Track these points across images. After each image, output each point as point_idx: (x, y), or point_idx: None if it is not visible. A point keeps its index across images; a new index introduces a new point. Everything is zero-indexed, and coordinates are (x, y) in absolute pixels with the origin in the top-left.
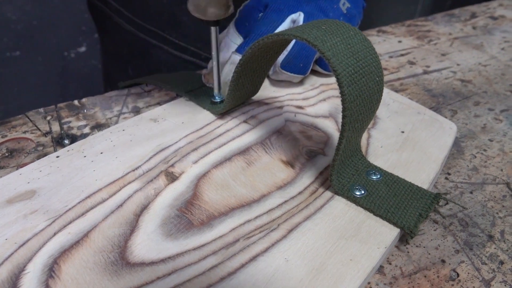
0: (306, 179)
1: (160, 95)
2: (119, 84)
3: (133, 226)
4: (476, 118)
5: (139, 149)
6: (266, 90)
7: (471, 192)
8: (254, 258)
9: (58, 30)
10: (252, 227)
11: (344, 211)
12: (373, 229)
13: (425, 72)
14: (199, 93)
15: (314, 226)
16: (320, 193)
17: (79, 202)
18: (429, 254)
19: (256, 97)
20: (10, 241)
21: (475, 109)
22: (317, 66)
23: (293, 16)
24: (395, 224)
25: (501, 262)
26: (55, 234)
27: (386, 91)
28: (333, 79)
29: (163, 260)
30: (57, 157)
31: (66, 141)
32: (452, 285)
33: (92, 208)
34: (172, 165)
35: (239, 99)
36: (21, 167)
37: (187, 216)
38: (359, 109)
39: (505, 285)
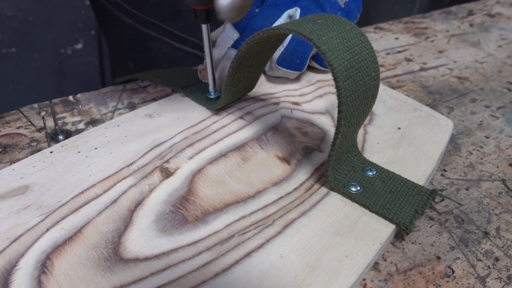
0: (302, 175)
1: (155, 91)
2: (115, 80)
3: (127, 221)
4: (473, 115)
5: (134, 145)
6: (263, 86)
7: (467, 189)
8: (248, 254)
9: (55, 27)
10: (247, 223)
11: (339, 207)
12: (368, 226)
13: (422, 69)
14: (195, 89)
15: (309, 222)
16: (316, 189)
17: (72, 198)
18: (425, 250)
19: (252, 93)
20: (3, 237)
21: (472, 106)
22: (314, 62)
23: (289, 11)
24: (390, 220)
25: (496, 259)
26: (48, 229)
27: (382, 88)
28: (329, 76)
29: (157, 256)
30: (51, 152)
31: (61, 137)
32: (447, 281)
33: (85, 203)
34: (167, 161)
35: (235, 95)
36: (15, 162)
37: (182, 212)
38: (355, 104)
39: (500, 282)
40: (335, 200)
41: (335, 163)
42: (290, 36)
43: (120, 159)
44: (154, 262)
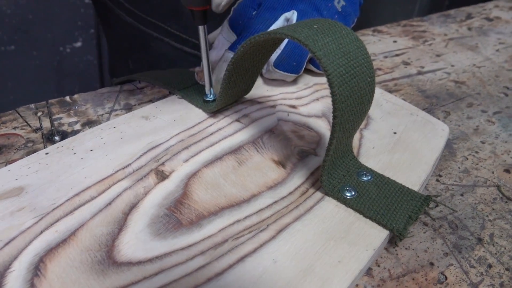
0: (297, 179)
1: (152, 92)
2: (113, 81)
3: (121, 225)
4: (469, 120)
5: (129, 147)
6: (259, 89)
7: (461, 195)
8: (242, 259)
9: (54, 25)
10: (241, 227)
11: (334, 213)
12: (362, 231)
13: (419, 73)
14: (191, 91)
15: (303, 227)
16: (311, 194)
17: (67, 200)
18: (418, 256)
19: (249, 95)
20: None
21: (468, 111)
22: (311, 65)
23: (286, 14)
24: (384, 226)
25: (489, 266)
26: (42, 232)
27: (379, 92)
28: None
29: (150, 260)
30: (46, 154)
31: (57, 138)
32: None
33: (80, 206)
34: (163, 164)
35: (231, 98)
36: (10, 163)
37: (176, 215)
38: (350, 110)
39: None
40: (330, 205)
41: (330, 168)
42: (287, 39)
43: (115, 161)
44: (147, 266)
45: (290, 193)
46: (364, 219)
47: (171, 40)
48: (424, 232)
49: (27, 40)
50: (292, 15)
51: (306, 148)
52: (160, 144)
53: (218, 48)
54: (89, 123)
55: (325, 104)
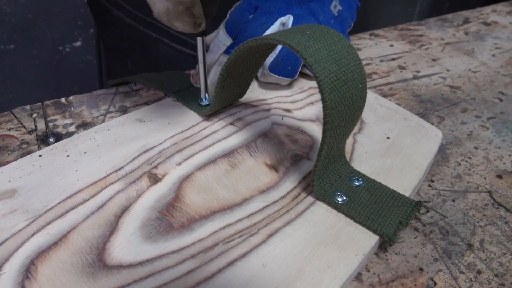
0: (289, 183)
1: (148, 94)
2: (109, 82)
3: (112, 227)
4: (463, 125)
5: (123, 150)
6: (254, 92)
7: (453, 200)
8: (232, 263)
9: (54, 24)
10: (232, 231)
11: (324, 217)
12: (352, 236)
13: (415, 77)
14: (186, 94)
15: (293, 231)
16: (302, 198)
17: (59, 203)
18: (408, 262)
19: (244, 99)
20: None
21: (463, 116)
22: (306, 69)
23: (282, 19)
24: (374, 231)
25: (479, 272)
26: (33, 234)
27: (374, 96)
28: None
29: (141, 263)
30: (40, 156)
31: (51, 140)
32: None
33: (72, 208)
34: (156, 167)
35: (225, 101)
36: (4, 165)
37: (168, 218)
38: (340, 116)
39: None
40: (321, 210)
41: (321, 173)
42: None
43: (108, 164)
44: (137, 269)
45: (282, 198)
46: (354, 224)
47: (170, 41)
48: (415, 238)
49: (27, 39)
50: (288, 20)
51: (300, 152)
52: (153, 147)
53: (213, 52)
54: (84, 125)
55: (320, 108)
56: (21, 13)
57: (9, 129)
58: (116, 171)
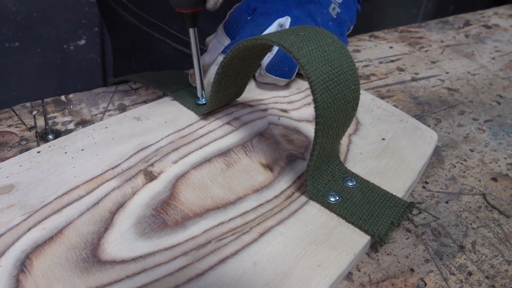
0: (284, 183)
1: (147, 93)
2: (110, 81)
3: (107, 224)
4: (460, 127)
5: (120, 147)
6: (252, 92)
7: (446, 202)
8: (223, 261)
9: (58, 23)
10: (225, 229)
11: (316, 217)
12: (343, 236)
13: (413, 79)
14: (184, 93)
15: (286, 230)
16: (296, 198)
17: (55, 198)
18: (399, 262)
19: (241, 99)
20: None
21: (459, 118)
22: None
23: (280, 20)
24: (366, 231)
25: (469, 273)
26: (29, 229)
27: (371, 97)
28: None
29: (134, 259)
30: (38, 152)
31: (50, 137)
32: None
33: (68, 204)
34: (152, 165)
35: (222, 101)
36: (3, 161)
37: (162, 216)
38: (333, 116)
39: None
40: (313, 210)
41: (314, 172)
42: None
43: (105, 161)
44: (130, 265)
45: (276, 197)
46: (346, 224)
47: (173, 41)
48: (407, 239)
49: (31, 37)
50: (286, 21)
51: (295, 152)
52: (150, 145)
53: (212, 52)
54: (83, 123)
55: None
56: (26, 11)
57: (9, 126)
58: (113, 168)
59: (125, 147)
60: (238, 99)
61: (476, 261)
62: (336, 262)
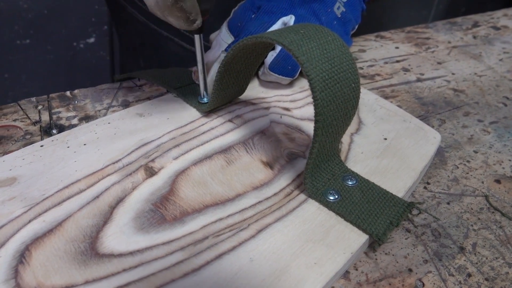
0: (283, 181)
1: (151, 90)
2: (115, 78)
3: (106, 217)
4: (464, 128)
5: (121, 143)
6: (254, 90)
7: (448, 203)
8: (219, 256)
9: (68, 20)
10: (223, 225)
11: (315, 215)
12: (341, 234)
13: (419, 80)
14: (187, 90)
15: (283, 228)
16: (295, 196)
17: (56, 192)
18: (397, 262)
19: (244, 96)
20: None
21: (464, 120)
22: None
23: (284, 18)
24: (364, 230)
25: (469, 275)
26: (30, 221)
27: (374, 97)
28: None
29: (131, 253)
30: (41, 146)
31: (54, 131)
32: None
33: (69, 198)
34: (153, 160)
35: (224, 99)
36: (7, 154)
37: (161, 211)
38: (332, 115)
39: None
40: (312, 208)
41: (313, 171)
42: None
43: (106, 156)
44: (127, 259)
45: (275, 194)
46: (344, 223)
47: (181, 39)
48: (406, 239)
49: (42, 34)
50: (290, 20)
51: (296, 150)
52: (151, 141)
53: (215, 49)
54: (87, 118)
55: None
56: (37, 9)
57: (15, 120)
58: (114, 163)
59: (127, 142)
60: (240, 97)
61: (476, 263)
62: (332, 260)
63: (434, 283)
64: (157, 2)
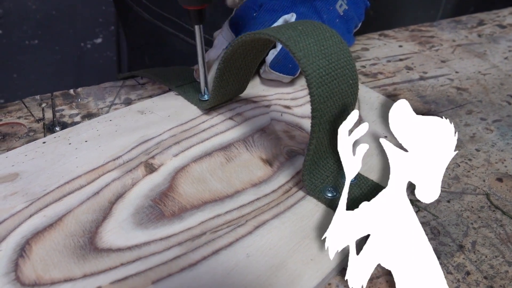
0: (282, 178)
1: (153, 88)
2: (118, 76)
3: (106, 213)
4: (466, 127)
5: (122, 140)
6: (256, 88)
7: (448, 201)
8: (216, 252)
9: (76, 21)
10: (221, 221)
11: (313, 212)
12: None
13: (422, 78)
14: (188, 88)
15: (281, 224)
16: (293, 193)
17: (57, 187)
18: None
19: (245, 94)
20: None
21: (467, 118)
22: None
23: (285, 16)
24: None
25: (467, 273)
26: (31, 216)
27: (375, 95)
28: None
29: (129, 248)
30: (44, 143)
31: (57, 128)
32: None
33: (69, 193)
34: (153, 157)
35: (224, 96)
36: (10, 151)
37: (160, 207)
38: (330, 111)
39: None
40: (310, 204)
41: (311, 168)
42: None
43: (107, 153)
44: (126, 253)
45: (273, 191)
46: None
47: (186, 36)
48: None
49: (50, 35)
50: (291, 18)
51: (296, 148)
52: (152, 138)
53: (217, 47)
54: (89, 116)
55: None
56: (45, 10)
57: (19, 117)
58: (114, 159)
59: (128, 139)
60: (241, 95)
61: (475, 261)
62: (329, 257)
63: None
64: None
